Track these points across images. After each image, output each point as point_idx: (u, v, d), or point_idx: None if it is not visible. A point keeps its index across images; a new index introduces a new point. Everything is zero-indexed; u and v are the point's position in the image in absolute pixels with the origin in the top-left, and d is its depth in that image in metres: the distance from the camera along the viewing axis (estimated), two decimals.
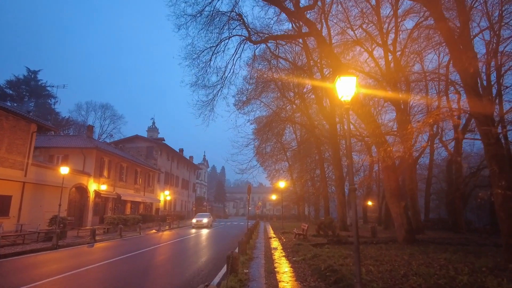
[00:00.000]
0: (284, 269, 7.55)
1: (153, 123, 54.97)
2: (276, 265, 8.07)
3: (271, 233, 20.10)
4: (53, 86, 49.68)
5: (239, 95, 27.25)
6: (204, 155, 77.99)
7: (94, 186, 24.41)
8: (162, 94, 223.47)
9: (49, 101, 52.37)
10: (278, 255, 9.83)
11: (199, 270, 8.08)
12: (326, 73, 26.69)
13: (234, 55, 17.35)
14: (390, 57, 17.85)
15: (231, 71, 18.26)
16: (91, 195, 24.04)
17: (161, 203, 38.75)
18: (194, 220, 28.33)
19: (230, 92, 38.31)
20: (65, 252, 11.29)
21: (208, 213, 33.28)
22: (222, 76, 17.72)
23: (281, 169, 43.18)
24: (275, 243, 13.48)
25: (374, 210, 49.56)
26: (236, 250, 10.43)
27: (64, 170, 15.21)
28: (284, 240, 14.83)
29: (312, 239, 14.67)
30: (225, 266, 6.31)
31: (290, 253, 10.08)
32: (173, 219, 30.18)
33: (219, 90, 17.75)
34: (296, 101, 31.06)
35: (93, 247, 12.81)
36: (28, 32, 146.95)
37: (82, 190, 23.49)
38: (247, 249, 9.85)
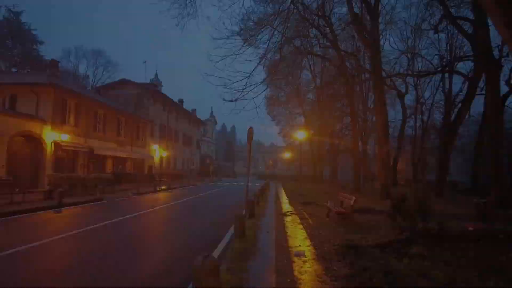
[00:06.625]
0: None
1: (156, 75, 48.18)
2: None
3: (287, 203, 13.99)
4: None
5: (245, 20, 19.51)
6: (212, 111, 71.51)
7: (53, 136, 18.51)
8: (165, 45, 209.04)
9: (36, 46, 46.21)
10: None
11: None
12: None
13: None
14: None
15: None
16: (49, 147, 18.23)
17: (156, 160, 33.23)
18: None
19: None
20: None
21: None
22: None
23: (295, 118, 36.76)
24: (296, 235, 7.19)
25: (398, 171, 43.13)
26: None
27: None
28: (311, 222, 8.53)
29: (360, 221, 8.31)
30: None
31: None
32: (164, 179, 24.58)
33: None
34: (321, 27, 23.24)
35: None
36: None
37: (33, 141, 17.62)
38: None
